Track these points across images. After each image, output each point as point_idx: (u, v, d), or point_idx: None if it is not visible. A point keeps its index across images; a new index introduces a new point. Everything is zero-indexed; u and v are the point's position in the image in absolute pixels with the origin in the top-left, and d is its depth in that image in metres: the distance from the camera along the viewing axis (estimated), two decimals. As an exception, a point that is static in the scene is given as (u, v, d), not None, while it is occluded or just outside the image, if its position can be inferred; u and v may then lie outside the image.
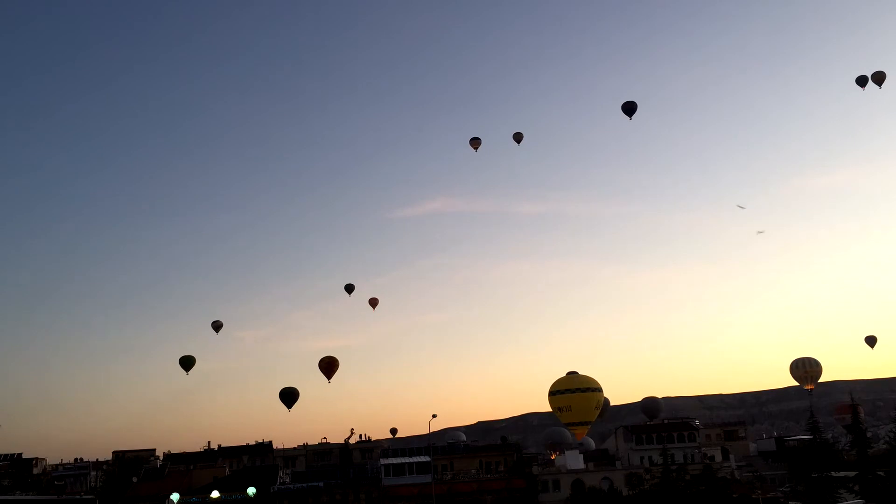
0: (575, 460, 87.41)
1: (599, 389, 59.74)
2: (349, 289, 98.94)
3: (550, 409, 76.23)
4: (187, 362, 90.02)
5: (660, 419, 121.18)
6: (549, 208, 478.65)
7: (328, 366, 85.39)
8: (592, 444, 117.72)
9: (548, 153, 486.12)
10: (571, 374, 64.83)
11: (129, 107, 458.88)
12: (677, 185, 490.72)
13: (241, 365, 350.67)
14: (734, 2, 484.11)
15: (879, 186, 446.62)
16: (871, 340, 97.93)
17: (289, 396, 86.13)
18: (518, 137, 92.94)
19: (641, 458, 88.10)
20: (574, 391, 57.15)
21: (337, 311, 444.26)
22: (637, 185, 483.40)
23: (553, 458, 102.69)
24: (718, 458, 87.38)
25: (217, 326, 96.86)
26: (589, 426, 58.13)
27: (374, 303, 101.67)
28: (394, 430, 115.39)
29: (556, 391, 59.93)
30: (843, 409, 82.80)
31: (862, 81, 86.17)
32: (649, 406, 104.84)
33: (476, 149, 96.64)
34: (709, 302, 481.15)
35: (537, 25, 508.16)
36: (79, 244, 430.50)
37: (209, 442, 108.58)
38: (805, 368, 76.61)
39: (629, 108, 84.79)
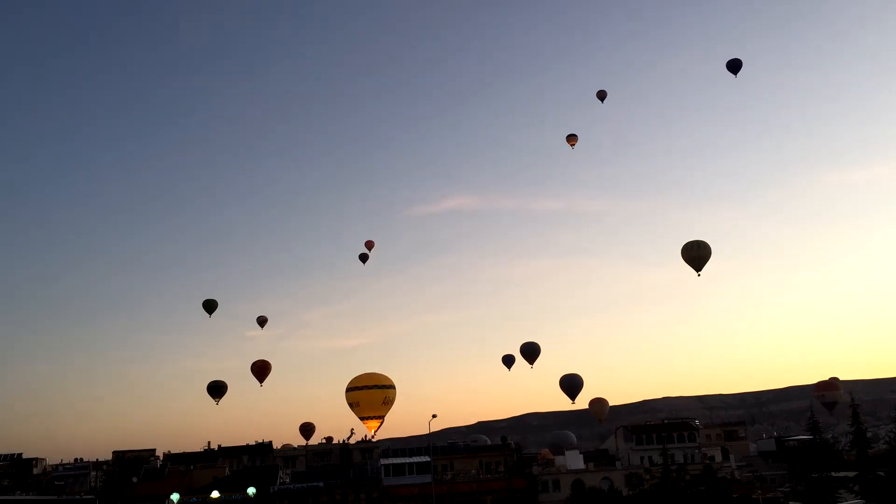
0: (575, 460, 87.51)
1: (389, 386, 62.79)
2: (363, 258, 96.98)
3: (548, 410, 77.38)
4: (210, 306, 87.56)
5: (660, 420, 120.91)
6: (552, 206, 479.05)
7: (260, 369, 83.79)
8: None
9: (567, 150, 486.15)
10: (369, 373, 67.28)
11: (138, 101, 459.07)
12: (683, 183, 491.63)
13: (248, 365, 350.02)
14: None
15: (883, 188, 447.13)
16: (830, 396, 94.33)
17: (216, 390, 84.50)
18: (602, 95, 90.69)
19: (641, 458, 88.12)
20: (362, 388, 60.11)
21: (352, 310, 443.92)
22: (645, 183, 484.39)
23: (546, 456, 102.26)
24: (718, 458, 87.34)
25: (262, 321, 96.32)
26: (381, 420, 61.10)
27: (369, 245, 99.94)
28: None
29: (350, 388, 62.81)
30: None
31: None
32: (568, 383, 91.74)
33: (573, 145, 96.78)
34: (709, 302, 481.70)
35: (561, 25, 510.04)
36: (80, 243, 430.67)
37: (209, 442, 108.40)
38: (695, 251, 73.62)
39: (734, 66, 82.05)
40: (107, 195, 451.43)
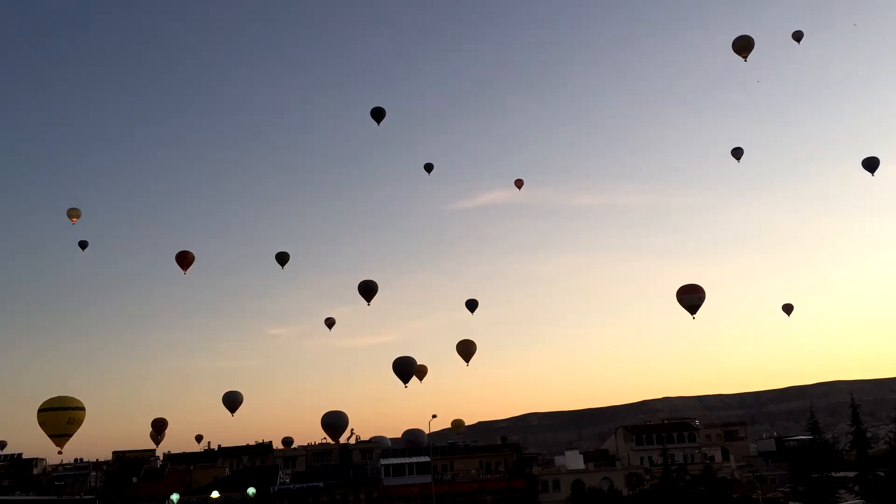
0: (575, 460, 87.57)
1: (78, 408, 69.30)
2: (377, 115, 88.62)
3: (549, 410, 77.74)
4: (282, 258, 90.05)
5: (660, 420, 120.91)
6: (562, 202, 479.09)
7: (182, 257, 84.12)
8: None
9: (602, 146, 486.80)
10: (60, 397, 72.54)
11: (164, 96, 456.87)
12: (681, 179, 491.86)
13: (267, 364, 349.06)
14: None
15: (882, 188, 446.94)
16: (787, 308, 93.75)
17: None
18: (736, 155, 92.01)
19: (641, 459, 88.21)
20: (49, 410, 68.45)
21: (375, 308, 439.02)
22: (652, 179, 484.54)
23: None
24: (718, 458, 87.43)
25: (330, 323, 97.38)
26: (67, 438, 68.05)
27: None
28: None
29: (41, 409, 68.88)
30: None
31: None
32: (401, 366, 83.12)
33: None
34: (710, 302, 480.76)
35: (600, 17, 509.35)
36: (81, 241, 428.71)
37: (209, 442, 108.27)
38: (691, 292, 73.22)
39: (871, 165, 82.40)
40: (115, 193, 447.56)
